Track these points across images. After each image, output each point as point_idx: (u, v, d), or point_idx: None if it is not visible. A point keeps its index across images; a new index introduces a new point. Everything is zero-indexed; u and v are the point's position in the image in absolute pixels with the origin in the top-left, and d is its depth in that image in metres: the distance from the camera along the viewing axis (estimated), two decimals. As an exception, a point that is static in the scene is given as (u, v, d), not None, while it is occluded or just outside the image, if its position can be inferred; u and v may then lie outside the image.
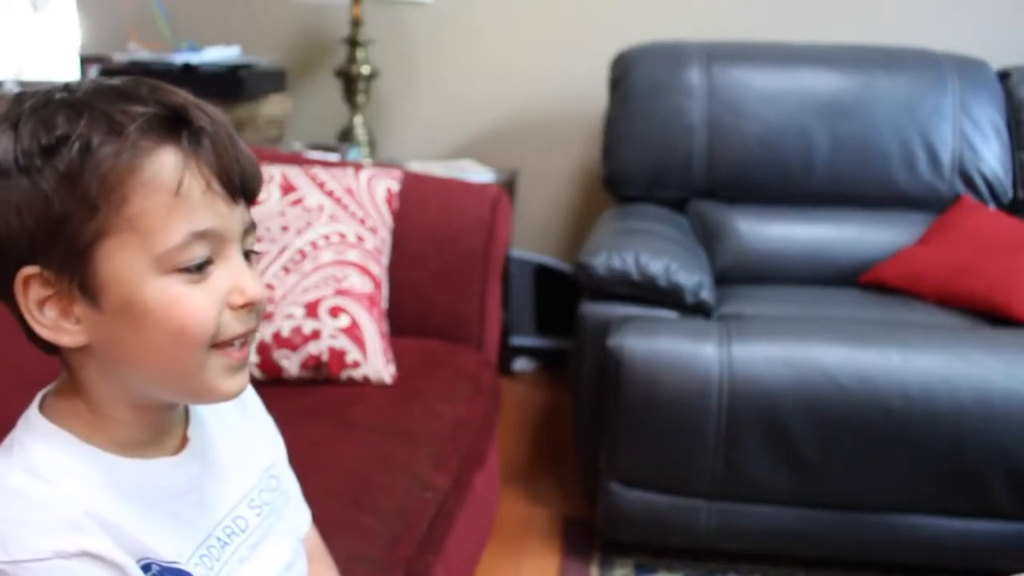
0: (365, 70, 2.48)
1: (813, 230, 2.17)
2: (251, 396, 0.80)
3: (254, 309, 0.63)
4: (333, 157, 2.15)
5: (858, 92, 2.17)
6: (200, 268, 0.60)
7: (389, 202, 1.64)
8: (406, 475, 1.21)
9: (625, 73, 2.25)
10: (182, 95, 0.61)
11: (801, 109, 2.17)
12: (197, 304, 0.59)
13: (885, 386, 1.52)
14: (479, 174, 2.36)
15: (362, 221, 1.58)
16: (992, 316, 1.81)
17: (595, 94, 2.42)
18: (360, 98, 2.51)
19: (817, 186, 2.19)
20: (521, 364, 2.64)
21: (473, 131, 2.70)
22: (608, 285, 1.74)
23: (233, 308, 0.61)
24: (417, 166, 2.27)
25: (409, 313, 1.64)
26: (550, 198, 2.71)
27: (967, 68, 2.21)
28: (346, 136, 2.52)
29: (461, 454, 1.36)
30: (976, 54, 2.26)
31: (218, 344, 0.61)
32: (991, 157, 2.17)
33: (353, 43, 2.47)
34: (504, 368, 2.51)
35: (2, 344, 1.18)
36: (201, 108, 0.61)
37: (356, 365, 1.46)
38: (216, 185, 0.60)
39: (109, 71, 2.24)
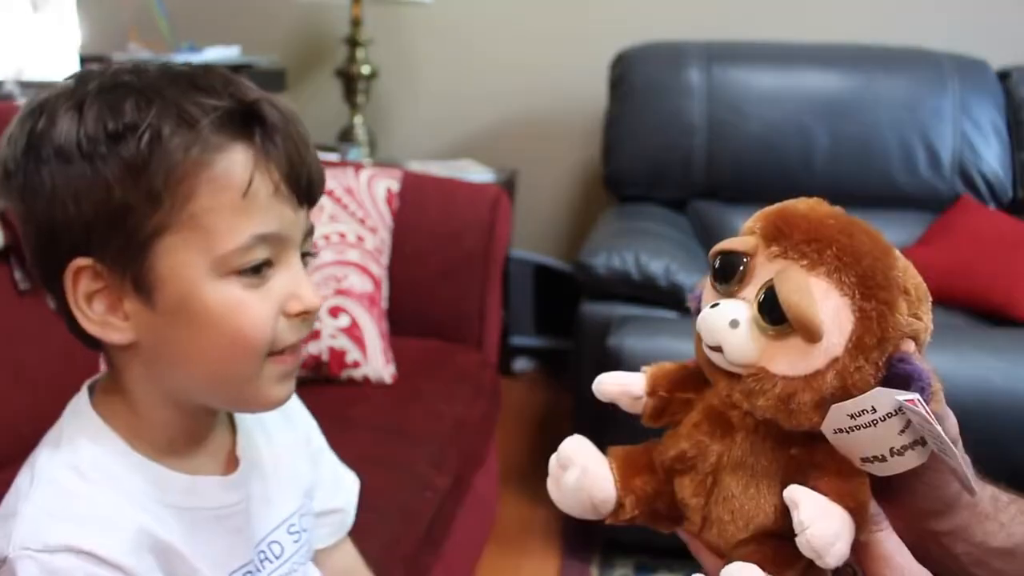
0: (365, 70, 2.48)
1: (813, 230, 2.17)
2: (293, 403, 0.76)
3: (308, 318, 0.60)
4: (333, 157, 2.15)
5: (858, 92, 2.17)
6: (258, 270, 0.57)
7: (389, 202, 1.64)
8: (406, 475, 1.21)
9: (625, 73, 2.25)
10: (256, 89, 0.58)
11: (801, 109, 2.17)
12: (255, 312, 0.57)
13: (885, 386, 1.52)
14: (479, 174, 2.36)
15: (362, 221, 1.58)
16: (992, 316, 1.81)
17: (595, 94, 2.42)
18: (360, 98, 2.51)
19: (817, 186, 2.16)
20: (521, 364, 2.64)
21: (473, 131, 2.70)
22: (608, 285, 1.73)
23: (289, 316, 0.59)
24: (417, 166, 2.27)
25: (409, 313, 1.64)
26: (550, 198, 2.71)
27: (967, 68, 2.21)
28: (346, 136, 2.52)
29: (461, 454, 1.36)
30: (976, 54, 2.26)
31: (271, 353, 0.59)
32: (991, 157, 2.17)
33: (353, 43, 2.47)
34: (504, 368, 2.51)
35: (2, 344, 1.18)
36: (275, 105, 0.58)
37: (356, 365, 1.46)
38: (284, 188, 0.57)
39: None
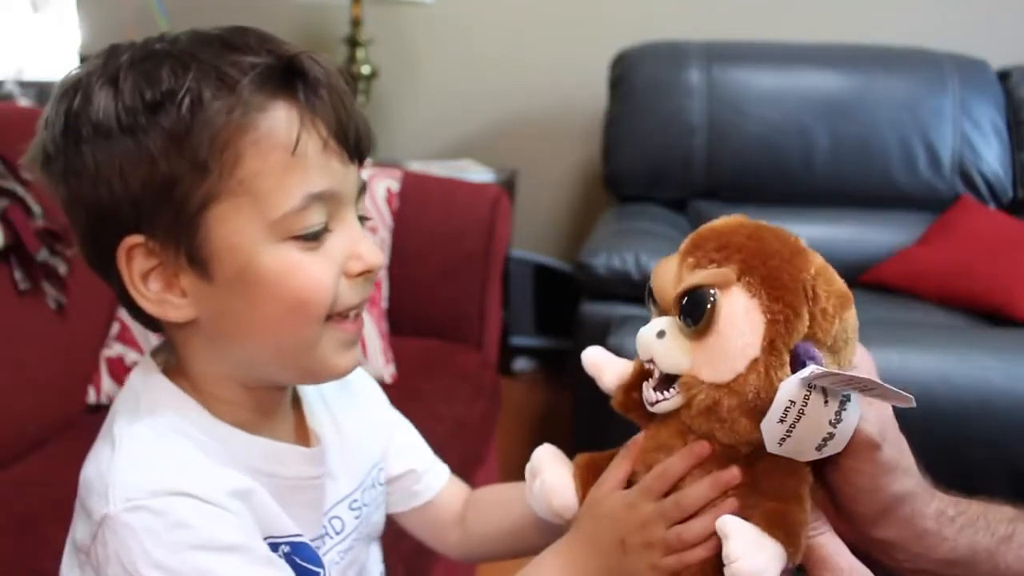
0: (365, 70, 2.48)
1: (813, 230, 2.15)
2: (366, 382, 0.76)
3: (370, 277, 0.58)
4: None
5: (858, 92, 2.17)
6: (316, 236, 0.55)
7: (389, 202, 1.63)
8: (406, 475, 1.21)
9: (625, 73, 2.25)
10: (293, 44, 0.56)
11: (801, 109, 2.17)
12: (315, 273, 0.55)
13: (885, 386, 1.52)
14: (479, 174, 2.35)
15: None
16: (992, 316, 1.81)
17: (595, 94, 2.42)
18: (360, 98, 2.51)
19: (817, 186, 2.19)
20: (521, 364, 2.64)
21: (473, 131, 2.70)
22: (608, 285, 1.73)
23: (350, 276, 0.57)
24: (417, 166, 2.27)
25: (409, 313, 1.64)
26: (550, 198, 2.71)
27: (967, 68, 2.21)
28: (346, 136, 2.52)
29: (461, 454, 1.36)
30: (976, 54, 2.26)
31: (332, 316, 0.57)
32: (991, 157, 2.17)
33: (353, 43, 2.47)
34: (504, 368, 2.51)
35: (2, 344, 1.18)
36: (315, 59, 0.56)
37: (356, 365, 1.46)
38: (333, 143, 0.55)
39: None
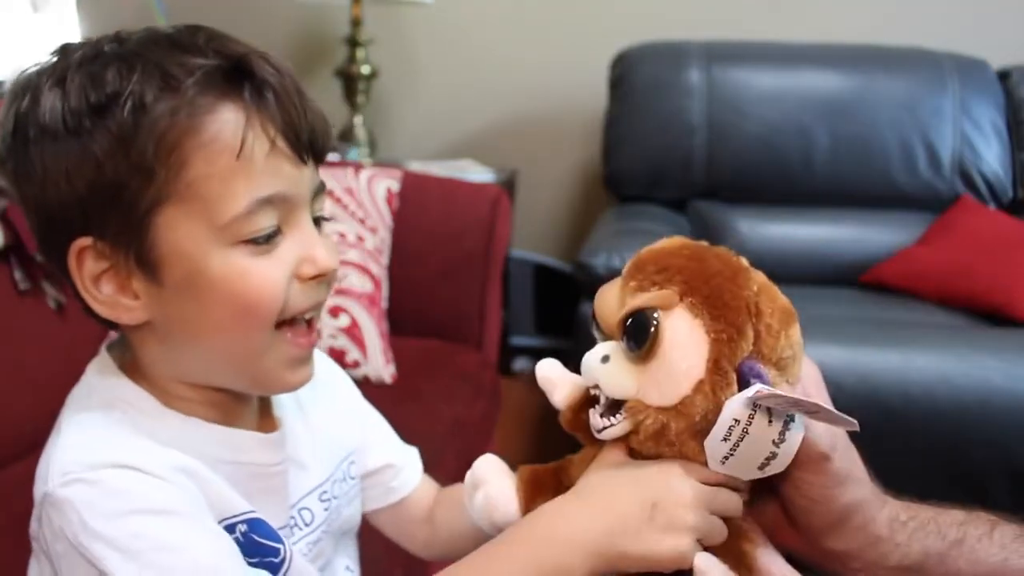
0: (365, 70, 2.47)
1: (813, 230, 2.17)
2: (335, 373, 0.75)
3: (324, 280, 0.58)
4: (333, 157, 2.15)
5: (858, 92, 2.17)
6: (268, 240, 0.54)
7: (389, 202, 1.64)
8: (406, 475, 1.21)
9: (625, 73, 2.25)
10: (243, 44, 0.56)
11: (801, 109, 2.17)
12: (264, 278, 0.54)
13: (885, 386, 1.52)
14: (479, 174, 2.35)
15: (362, 221, 1.58)
16: (992, 316, 1.81)
17: (595, 94, 2.41)
18: (360, 98, 2.50)
19: (817, 186, 2.19)
20: (521, 364, 2.64)
21: (473, 131, 2.70)
22: (608, 285, 1.74)
23: (303, 280, 0.56)
24: (417, 166, 2.27)
25: (409, 313, 1.64)
26: (550, 198, 2.71)
27: (967, 68, 2.21)
28: (346, 136, 2.51)
29: (461, 454, 1.36)
30: (976, 54, 2.26)
31: (285, 322, 0.56)
32: (991, 157, 2.17)
33: (353, 43, 2.47)
34: (504, 368, 2.51)
35: (2, 344, 1.18)
36: (265, 58, 0.55)
37: (356, 365, 1.46)
38: (282, 144, 0.54)
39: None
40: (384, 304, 1.58)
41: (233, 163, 0.53)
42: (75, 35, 2.54)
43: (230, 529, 0.56)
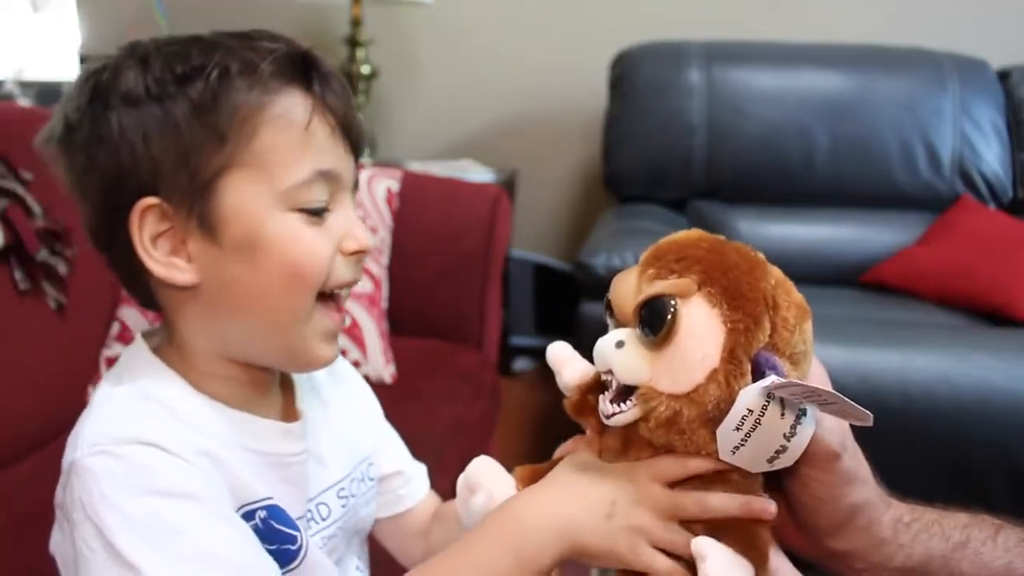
0: (365, 70, 2.47)
1: (813, 230, 2.17)
2: (357, 378, 0.79)
3: (361, 258, 0.63)
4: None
5: (858, 92, 2.17)
6: (319, 212, 0.59)
7: (389, 202, 1.64)
8: (406, 475, 1.21)
9: (625, 73, 2.25)
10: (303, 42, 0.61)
11: (801, 109, 2.17)
12: (314, 244, 0.58)
13: (885, 386, 1.52)
14: (479, 174, 2.36)
15: (362, 221, 1.58)
16: (992, 316, 1.81)
17: (595, 94, 2.42)
18: (360, 98, 2.50)
19: (817, 186, 2.19)
20: (521, 364, 2.64)
21: (473, 131, 2.70)
22: (608, 285, 1.73)
23: (345, 254, 0.61)
24: (417, 166, 2.27)
25: (409, 313, 1.64)
26: (550, 198, 2.71)
27: (967, 68, 2.21)
28: (346, 136, 2.52)
29: (461, 454, 1.36)
30: (976, 54, 2.26)
31: (323, 297, 0.60)
32: (991, 157, 2.17)
33: (353, 43, 2.47)
34: (504, 368, 2.51)
35: (2, 344, 1.18)
36: (324, 58, 0.62)
37: (356, 365, 1.46)
38: (339, 132, 0.60)
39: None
40: (384, 304, 1.58)
41: (300, 135, 0.58)
42: (75, 35, 2.54)
43: (250, 515, 0.58)
